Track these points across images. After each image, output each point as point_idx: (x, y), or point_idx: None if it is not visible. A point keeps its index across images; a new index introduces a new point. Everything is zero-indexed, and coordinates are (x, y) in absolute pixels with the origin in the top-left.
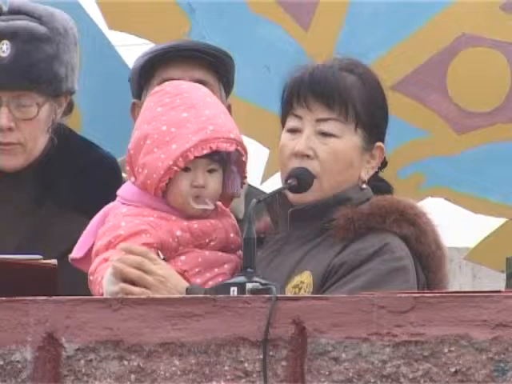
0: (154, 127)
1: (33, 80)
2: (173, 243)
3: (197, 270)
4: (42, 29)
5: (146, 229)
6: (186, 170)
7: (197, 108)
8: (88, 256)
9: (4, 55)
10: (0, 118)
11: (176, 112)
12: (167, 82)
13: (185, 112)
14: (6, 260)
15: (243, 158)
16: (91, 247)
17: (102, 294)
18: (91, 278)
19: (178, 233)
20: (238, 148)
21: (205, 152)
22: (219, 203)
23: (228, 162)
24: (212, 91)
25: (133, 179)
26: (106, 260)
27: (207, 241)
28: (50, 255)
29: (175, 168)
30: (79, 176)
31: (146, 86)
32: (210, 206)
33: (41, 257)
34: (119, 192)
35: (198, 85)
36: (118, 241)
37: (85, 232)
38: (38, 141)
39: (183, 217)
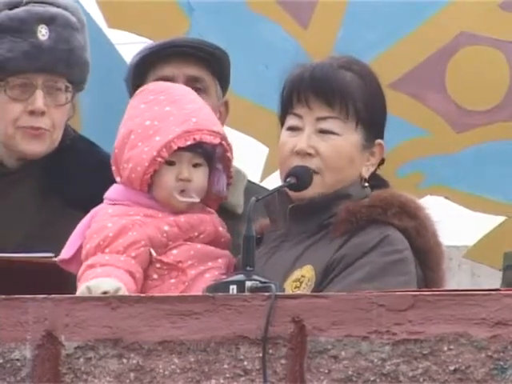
0: (138, 123)
1: (71, 65)
2: (162, 239)
3: (190, 262)
4: (73, 18)
5: (132, 227)
6: (170, 163)
7: (180, 102)
8: (76, 257)
9: (43, 39)
10: (36, 100)
11: (159, 107)
12: (151, 82)
13: (168, 106)
14: (18, 258)
15: (228, 154)
16: (79, 248)
17: None
18: (78, 284)
19: (166, 228)
20: (223, 142)
21: (188, 143)
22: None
23: (213, 158)
24: (207, 88)
25: (118, 179)
26: (89, 267)
27: (196, 234)
28: (54, 253)
29: (159, 159)
30: (88, 175)
31: (141, 84)
32: (196, 199)
33: (53, 255)
34: (105, 195)
35: (181, 85)
36: (106, 242)
37: (73, 234)
38: (61, 130)
39: (169, 213)
